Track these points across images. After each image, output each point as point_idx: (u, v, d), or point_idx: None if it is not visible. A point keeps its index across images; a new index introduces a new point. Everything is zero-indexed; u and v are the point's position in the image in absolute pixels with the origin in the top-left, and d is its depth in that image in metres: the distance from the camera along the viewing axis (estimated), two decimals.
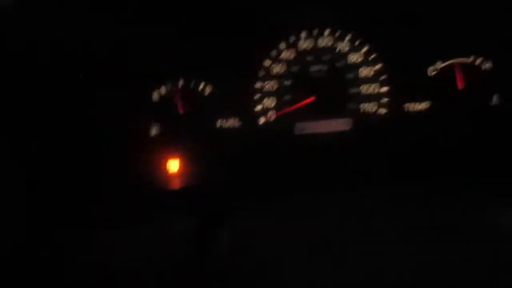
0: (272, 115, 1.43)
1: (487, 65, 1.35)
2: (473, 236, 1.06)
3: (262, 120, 1.44)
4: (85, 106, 1.41)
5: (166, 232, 1.19)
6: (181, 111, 1.45)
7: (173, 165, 1.43)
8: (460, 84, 1.36)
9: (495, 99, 1.36)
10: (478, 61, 1.36)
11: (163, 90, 1.46)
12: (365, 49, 1.39)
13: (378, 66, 1.39)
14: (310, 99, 1.39)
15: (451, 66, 1.36)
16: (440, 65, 1.37)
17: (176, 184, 1.40)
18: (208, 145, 1.44)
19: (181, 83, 1.46)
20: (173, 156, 1.43)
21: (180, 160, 1.43)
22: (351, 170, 1.33)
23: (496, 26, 1.32)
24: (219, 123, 1.45)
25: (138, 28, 1.38)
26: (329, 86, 1.40)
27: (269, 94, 1.43)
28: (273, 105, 1.43)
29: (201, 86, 1.45)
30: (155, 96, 1.47)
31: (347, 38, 1.40)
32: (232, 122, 1.45)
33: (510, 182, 1.19)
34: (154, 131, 1.48)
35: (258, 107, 1.44)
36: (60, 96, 1.36)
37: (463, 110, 1.36)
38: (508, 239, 1.04)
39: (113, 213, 1.24)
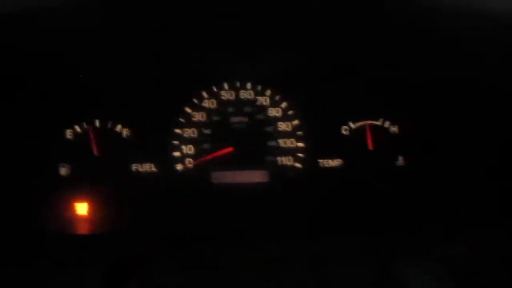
0: (189, 162, 1.42)
1: (394, 128, 1.46)
2: None
3: (179, 167, 1.42)
4: None
5: (69, 282, 1.11)
6: (95, 153, 1.40)
7: (81, 208, 1.36)
8: (370, 145, 1.44)
9: (400, 160, 1.45)
10: (386, 124, 1.45)
11: (77, 129, 1.40)
12: (284, 104, 1.44)
13: (295, 122, 1.44)
14: (229, 149, 1.40)
15: (362, 127, 1.45)
16: (352, 125, 1.45)
17: (83, 229, 1.32)
18: (121, 189, 1.39)
19: (97, 123, 1.41)
20: (82, 199, 1.35)
21: (88, 204, 1.35)
22: (266, 221, 1.33)
23: (403, 94, 1.44)
24: (134, 167, 1.41)
25: (58, 62, 1.33)
26: (248, 138, 1.43)
27: (188, 141, 1.42)
28: (191, 152, 1.42)
29: (118, 128, 1.41)
30: (68, 135, 1.40)
31: (267, 93, 1.44)
32: (148, 167, 1.41)
33: (415, 239, 1.26)
34: (63, 171, 1.40)
35: (176, 153, 1.42)
36: None
37: (372, 169, 1.44)
38: None
39: (13, 257, 1.14)
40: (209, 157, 1.41)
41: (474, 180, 1.36)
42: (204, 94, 1.43)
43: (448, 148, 1.41)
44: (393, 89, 1.43)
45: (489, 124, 1.34)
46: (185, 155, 1.42)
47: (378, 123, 1.45)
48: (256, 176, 1.42)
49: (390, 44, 1.28)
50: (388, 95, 1.44)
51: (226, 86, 1.44)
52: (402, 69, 1.38)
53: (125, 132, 1.41)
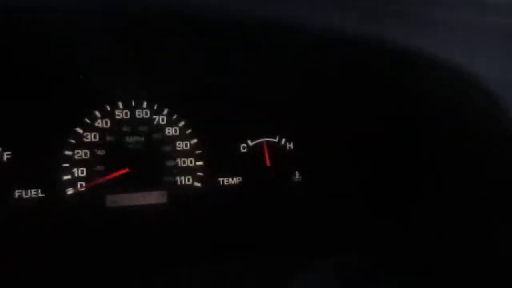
0: (81, 185, 1.34)
1: (290, 145, 1.52)
2: None
3: (70, 191, 1.33)
4: None
5: None
6: None
7: None
8: (267, 161, 1.48)
9: (297, 176, 1.52)
10: (282, 141, 1.51)
11: None
12: (181, 124, 1.43)
13: (193, 141, 1.44)
14: (124, 171, 1.35)
15: (260, 145, 1.49)
16: (250, 142, 1.48)
17: None
18: (3, 218, 1.26)
19: None
20: None
21: None
22: (167, 245, 1.30)
23: (298, 113, 1.51)
24: (17, 193, 1.29)
25: None
26: (145, 158, 1.38)
27: (79, 163, 1.34)
28: (83, 175, 1.34)
29: None
30: None
31: (164, 112, 1.42)
32: (34, 193, 1.30)
33: (310, 250, 1.32)
34: None
35: (66, 177, 1.33)
36: None
37: (270, 185, 1.48)
38: None
39: None
40: (103, 179, 1.34)
41: (364, 193, 1.47)
42: (97, 114, 1.37)
43: (342, 163, 1.50)
44: (287, 108, 1.50)
45: (375, 138, 1.46)
46: (76, 179, 1.34)
47: (275, 140, 1.50)
48: (154, 198, 1.38)
49: (283, 67, 1.33)
50: (282, 114, 1.50)
51: (120, 105, 1.39)
52: (294, 91, 1.44)
53: (6, 156, 1.28)
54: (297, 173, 1.52)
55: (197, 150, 1.44)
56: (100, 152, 1.36)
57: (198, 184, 1.43)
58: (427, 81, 1.07)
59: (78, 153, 1.34)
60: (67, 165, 1.33)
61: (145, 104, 1.41)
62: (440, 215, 1.24)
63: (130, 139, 1.38)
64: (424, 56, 0.92)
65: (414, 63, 0.99)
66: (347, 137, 1.50)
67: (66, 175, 1.33)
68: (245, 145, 1.48)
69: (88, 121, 1.36)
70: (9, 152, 1.29)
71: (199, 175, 1.43)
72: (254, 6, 0.92)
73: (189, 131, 1.43)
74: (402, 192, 1.38)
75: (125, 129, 1.38)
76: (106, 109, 1.38)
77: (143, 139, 1.39)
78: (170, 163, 1.41)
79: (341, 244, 1.36)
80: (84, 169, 1.34)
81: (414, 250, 1.30)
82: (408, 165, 1.37)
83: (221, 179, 1.45)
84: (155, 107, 1.41)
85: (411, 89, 1.19)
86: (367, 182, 1.48)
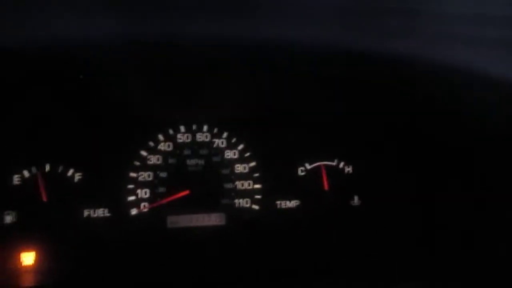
0: (145, 206, 1.39)
1: (349, 169, 1.49)
2: None
3: (134, 211, 1.38)
4: None
5: None
6: (44, 198, 1.34)
7: (28, 259, 1.28)
8: (325, 185, 1.46)
9: (355, 200, 1.49)
10: (341, 165, 1.49)
11: (25, 174, 1.34)
12: (240, 147, 1.45)
13: (252, 164, 1.45)
14: (185, 193, 1.38)
15: (317, 168, 1.47)
16: (308, 166, 1.47)
17: (29, 280, 1.25)
18: (72, 236, 1.33)
19: (47, 167, 1.35)
20: (29, 248, 1.29)
21: (36, 253, 1.29)
22: (224, 265, 1.31)
23: (357, 136, 1.48)
24: (86, 212, 1.36)
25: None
26: (205, 180, 1.41)
27: (143, 185, 1.39)
28: (146, 196, 1.39)
29: (69, 173, 1.36)
30: (15, 180, 1.33)
31: (224, 135, 1.45)
32: (101, 212, 1.36)
33: (369, 278, 1.27)
34: (8, 219, 1.32)
35: (131, 198, 1.38)
36: None
37: (328, 209, 1.46)
38: None
39: None
40: (165, 200, 1.38)
41: (425, 216, 1.41)
42: (160, 137, 1.42)
43: (402, 186, 1.45)
44: (347, 132, 1.48)
45: (439, 165, 1.40)
46: (140, 199, 1.39)
47: (333, 163, 1.48)
48: (213, 219, 1.40)
49: (339, 91, 1.33)
50: (340, 137, 1.48)
51: (182, 128, 1.44)
52: (352, 114, 1.42)
53: (77, 177, 1.36)
54: (356, 198, 1.49)
55: (255, 173, 1.45)
56: (163, 174, 1.41)
57: (256, 207, 1.44)
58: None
59: (142, 175, 1.40)
60: (131, 186, 1.39)
61: (205, 128, 1.45)
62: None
63: (190, 162, 1.42)
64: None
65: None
66: (406, 159, 1.46)
67: (130, 196, 1.39)
68: (303, 169, 1.47)
69: (152, 144, 1.42)
70: (80, 173, 1.36)
71: (257, 198, 1.44)
72: (311, 35, 0.94)
73: (247, 154, 1.45)
74: (464, 215, 1.31)
75: (186, 152, 1.43)
76: (169, 133, 1.43)
77: (203, 162, 1.43)
78: (228, 185, 1.43)
79: (400, 270, 1.30)
80: (148, 191, 1.39)
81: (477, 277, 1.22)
82: (470, 187, 1.31)
83: (278, 202, 1.45)
84: (215, 130, 1.45)
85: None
86: (428, 206, 1.42)
